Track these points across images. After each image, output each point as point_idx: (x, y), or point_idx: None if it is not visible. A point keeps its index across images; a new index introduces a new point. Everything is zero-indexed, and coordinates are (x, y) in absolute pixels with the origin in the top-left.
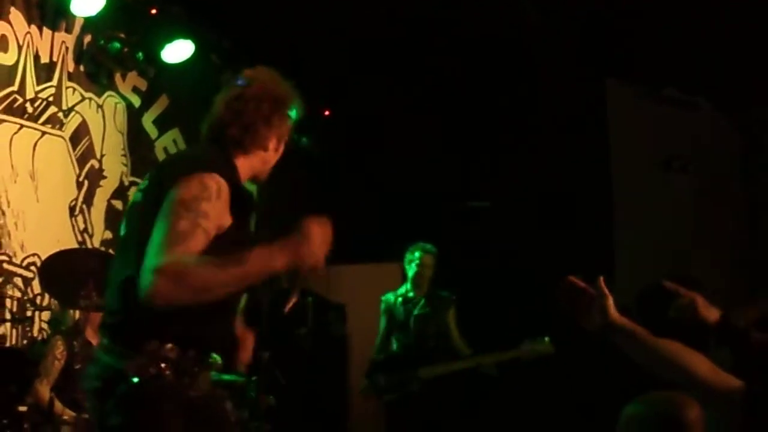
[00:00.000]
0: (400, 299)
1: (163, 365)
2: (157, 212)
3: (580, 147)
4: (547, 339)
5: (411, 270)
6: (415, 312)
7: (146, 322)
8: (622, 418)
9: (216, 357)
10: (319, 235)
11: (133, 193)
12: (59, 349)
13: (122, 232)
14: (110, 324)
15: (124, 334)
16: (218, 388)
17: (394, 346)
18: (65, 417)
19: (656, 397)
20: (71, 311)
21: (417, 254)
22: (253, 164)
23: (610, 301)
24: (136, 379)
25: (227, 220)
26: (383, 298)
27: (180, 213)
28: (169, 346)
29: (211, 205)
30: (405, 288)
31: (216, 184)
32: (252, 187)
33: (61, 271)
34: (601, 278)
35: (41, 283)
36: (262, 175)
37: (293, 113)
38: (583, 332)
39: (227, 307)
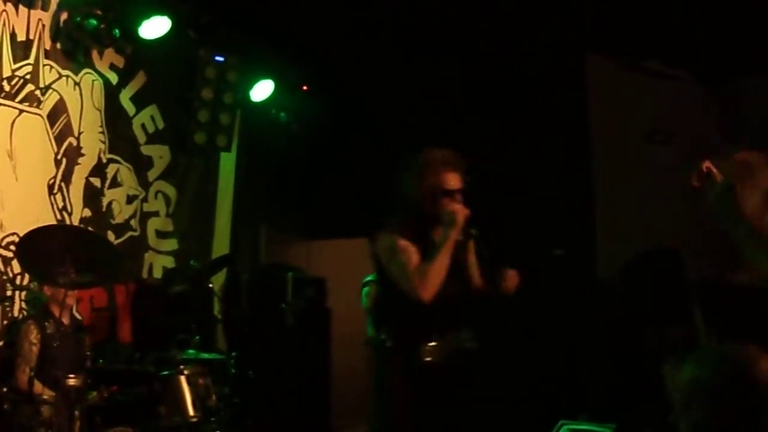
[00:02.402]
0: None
1: None
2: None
3: (560, 120)
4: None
5: None
6: None
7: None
8: (680, 383)
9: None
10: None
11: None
12: (33, 333)
13: None
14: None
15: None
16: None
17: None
18: (45, 396)
19: (718, 353)
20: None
21: None
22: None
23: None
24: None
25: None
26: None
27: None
28: None
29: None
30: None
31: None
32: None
33: (39, 249)
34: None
35: (19, 261)
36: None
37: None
38: None
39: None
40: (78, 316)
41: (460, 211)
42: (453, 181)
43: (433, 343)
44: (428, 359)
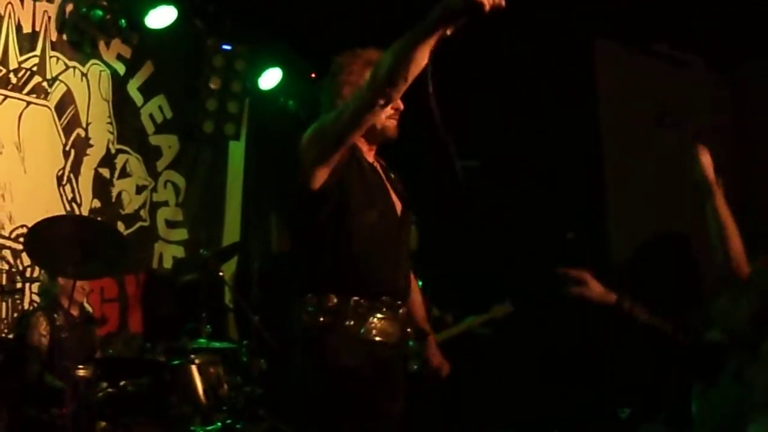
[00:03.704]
0: None
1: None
2: None
3: (569, 105)
4: (507, 301)
5: None
6: None
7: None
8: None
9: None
10: None
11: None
12: (42, 325)
13: None
14: None
15: None
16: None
17: None
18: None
19: None
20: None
21: None
22: None
23: None
24: None
25: None
26: None
27: None
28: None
29: None
30: None
31: None
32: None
33: (48, 240)
34: None
35: (27, 252)
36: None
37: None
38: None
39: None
40: (88, 308)
41: None
42: None
43: (380, 316)
44: (378, 339)
